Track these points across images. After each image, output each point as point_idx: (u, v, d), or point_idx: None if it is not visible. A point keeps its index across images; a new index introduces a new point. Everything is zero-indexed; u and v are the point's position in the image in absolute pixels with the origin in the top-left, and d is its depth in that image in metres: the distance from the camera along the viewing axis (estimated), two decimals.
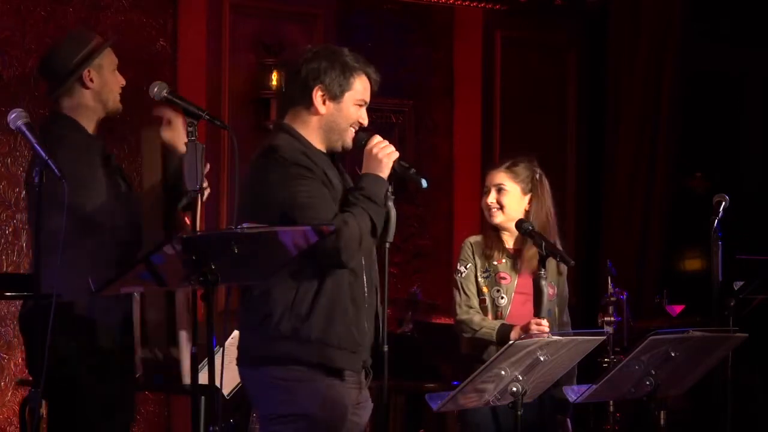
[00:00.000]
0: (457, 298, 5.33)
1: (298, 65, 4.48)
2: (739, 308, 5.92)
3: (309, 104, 4.44)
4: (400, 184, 4.46)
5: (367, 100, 4.49)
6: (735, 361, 5.74)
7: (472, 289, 5.31)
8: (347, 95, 4.44)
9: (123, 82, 4.85)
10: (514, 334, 5.12)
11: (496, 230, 5.37)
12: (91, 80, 4.76)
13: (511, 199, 5.32)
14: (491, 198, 5.34)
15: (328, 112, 4.44)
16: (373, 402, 4.59)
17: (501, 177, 5.35)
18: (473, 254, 5.33)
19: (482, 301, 5.31)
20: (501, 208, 5.32)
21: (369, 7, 8.20)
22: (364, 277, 4.43)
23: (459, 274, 5.35)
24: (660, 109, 8.97)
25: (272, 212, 4.28)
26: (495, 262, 5.32)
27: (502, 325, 5.20)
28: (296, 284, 4.35)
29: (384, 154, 4.40)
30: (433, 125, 8.49)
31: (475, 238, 5.39)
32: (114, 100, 4.81)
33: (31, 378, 4.67)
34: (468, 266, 5.33)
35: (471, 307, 5.29)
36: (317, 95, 4.42)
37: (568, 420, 5.37)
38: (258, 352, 4.40)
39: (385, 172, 4.40)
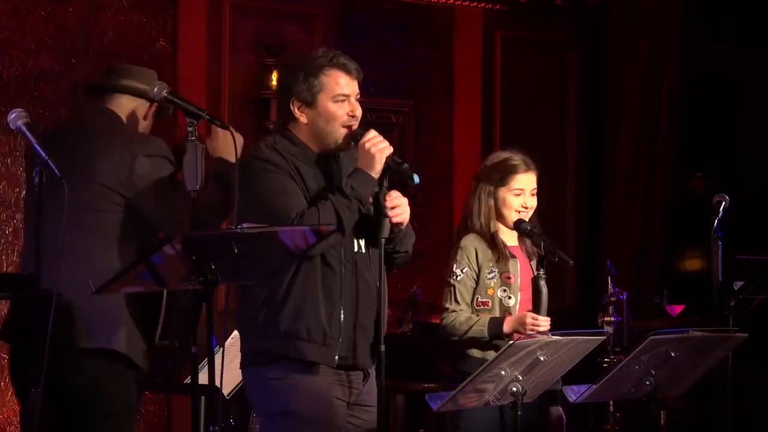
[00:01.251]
0: (446, 303, 5.26)
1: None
2: (739, 308, 5.92)
3: (293, 117, 4.53)
4: (399, 183, 4.46)
5: (348, 92, 4.50)
6: (735, 361, 5.74)
7: (465, 296, 5.25)
8: (320, 97, 4.48)
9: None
10: (507, 328, 5.12)
11: (496, 230, 5.33)
12: (146, 115, 4.88)
13: (535, 202, 5.36)
14: (530, 202, 5.31)
15: (309, 119, 4.51)
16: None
17: (535, 181, 5.35)
18: (477, 258, 5.28)
19: (485, 303, 5.27)
20: (530, 210, 5.34)
21: (369, 7, 8.20)
22: (343, 271, 4.43)
23: (454, 277, 5.28)
24: (660, 109, 8.97)
25: (243, 208, 4.33)
26: (499, 263, 5.28)
27: (492, 319, 5.17)
28: (272, 277, 4.40)
29: (376, 149, 4.41)
30: (433, 125, 8.49)
31: (475, 241, 5.30)
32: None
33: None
34: (464, 270, 5.26)
35: (456, 312, 5.24)
36: (294, 108, 4.51)
37: (560, 408, 5.35)
38: (245, 349, 4.50)
39: (376, 168, 4.42)
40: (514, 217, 5.29)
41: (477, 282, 5.28)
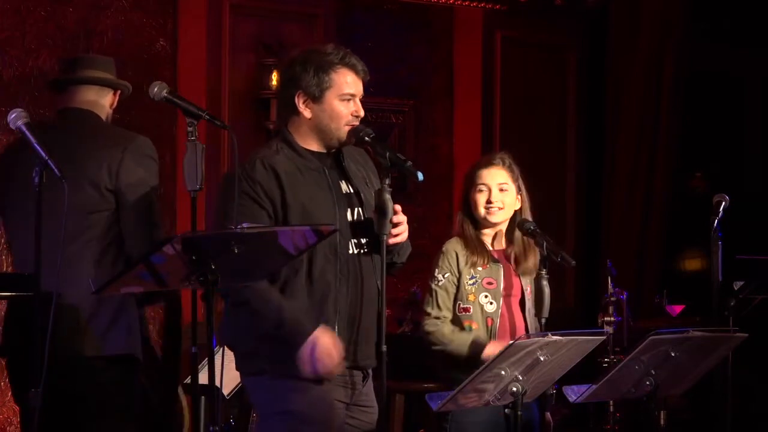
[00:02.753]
0: (428, 308, 5.17)
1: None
2: (739, 308, 5.91)
3: (296, 111, 4.51)
4: (400, 180, 4.46)
5: (354, 91, 4.51)
6: (735, 361, 5.74)
7: (447, 302, 5.15)
8: (328, 93, 4.47)
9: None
10: (485, 355, 5.00)
11: (477, 233, 5.27)
12: (113, 104, 4.93)
13: (511, 198, 5.24)
14: (495, 197, 5.25)
15: (313, 114, 4.49)
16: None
17: (503, 176, 5.22)
18: (458, 264, 5.18)
19: (466, 309, 5.21)
20: (502, 207, 5.24)
21: (369, 7, 8.20)
22: (337, 285, 4.42)
23: (435, 282, 5.18)
24: (660, 109, 8.97)
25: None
26: (480, 268, 5.22)
27: (473, 342, 5.08)
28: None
29: (323, 359, 4.34)
30: (433, 125, 8.49)
31: (457, 245, 5.21)
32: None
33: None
34: (446, 275, 5.16)
35: (439, 318, 5.19)
36: (299, 101, 4.49)
37: (548, 413, 5.34)
38: (239, 365, 4.50)
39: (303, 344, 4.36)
40: (483, 214, 5.20)
41: (458, 288, 5.22)
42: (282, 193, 4.41)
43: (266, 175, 4.42)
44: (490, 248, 5.24)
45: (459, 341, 5.08)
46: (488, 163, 5.26)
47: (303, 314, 4.34)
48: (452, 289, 5.18)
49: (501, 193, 5.20)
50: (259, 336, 4.38)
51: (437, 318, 5.15)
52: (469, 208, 5.25)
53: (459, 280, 5.18)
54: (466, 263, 5.18)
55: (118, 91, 4.94)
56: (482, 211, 5.19)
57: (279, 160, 4.46)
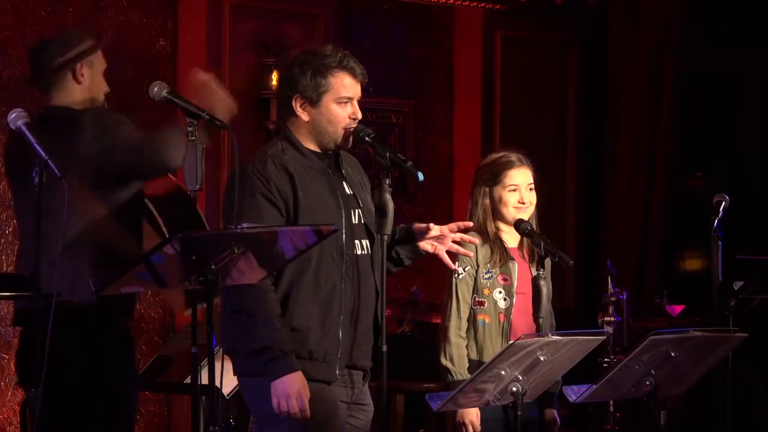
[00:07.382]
0: (450, 304, 5.24)
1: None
2: (739, 308, 5.91)
3: (293, 113, 4.50)
4: (400, 182, 4.47)
5: (353, 95, 4.50)
6: (735, 361, 5.74)
7: (466, 296, 5.23)
8: (325, 97, 4.46)
9: (107, 89, 4.91)
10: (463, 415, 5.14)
11: (495, 230, 5.31)
12: (82, 75, 4.81)
13: (534, 197, 5.33)
14: (527, 197, 5.28)
15: (310, 117, 4.49)
16: (373, 402, 4.61)
17: (530, 175, 5.30)
18: (476, 257, 5.28)
19: (481, 303, 5.26)
20: (530, 206, 5.31)
21: (369, 7, 8.20)
22: (343, 286, 4.43)
23: (456, 275, 5.25)
24: (660, 108, 8.97)
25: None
26: (497, 263, 5.28)
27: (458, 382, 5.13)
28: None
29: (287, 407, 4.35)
30: (433, 125, 8.49)
31: (476, 241, 5.33)
32: (101, 101, 4.88)
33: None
34: (467, 269, 5.25)
35: (460, 330, 5.23)
36: (296, 104, 4.49)
37: (555, 412, 5.36)
38: (238, 368, 4.49)
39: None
40: (513, 214, 5.27)
41: (474, 280, 5.27)
42: (294, 192, 4.41)
43: (278, 173, 4.42)
44: (508, 246, 5.29)
45: (457, 369, 5.18)
46: (518, 164, 5.32)
47: (290, 350, 4.32)
48: (471, 282, 5.28)
49: (530, 193, 5.28)
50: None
51: (458, 330, 5.21)
52: (482, 207, 5.29)
53: (476, 273, 5.26)
54: (484, 258, 5.24)
55: (78, 64, 4.88)
56: (513, 211, 5.25)
57: (287, 159, 4.46)
